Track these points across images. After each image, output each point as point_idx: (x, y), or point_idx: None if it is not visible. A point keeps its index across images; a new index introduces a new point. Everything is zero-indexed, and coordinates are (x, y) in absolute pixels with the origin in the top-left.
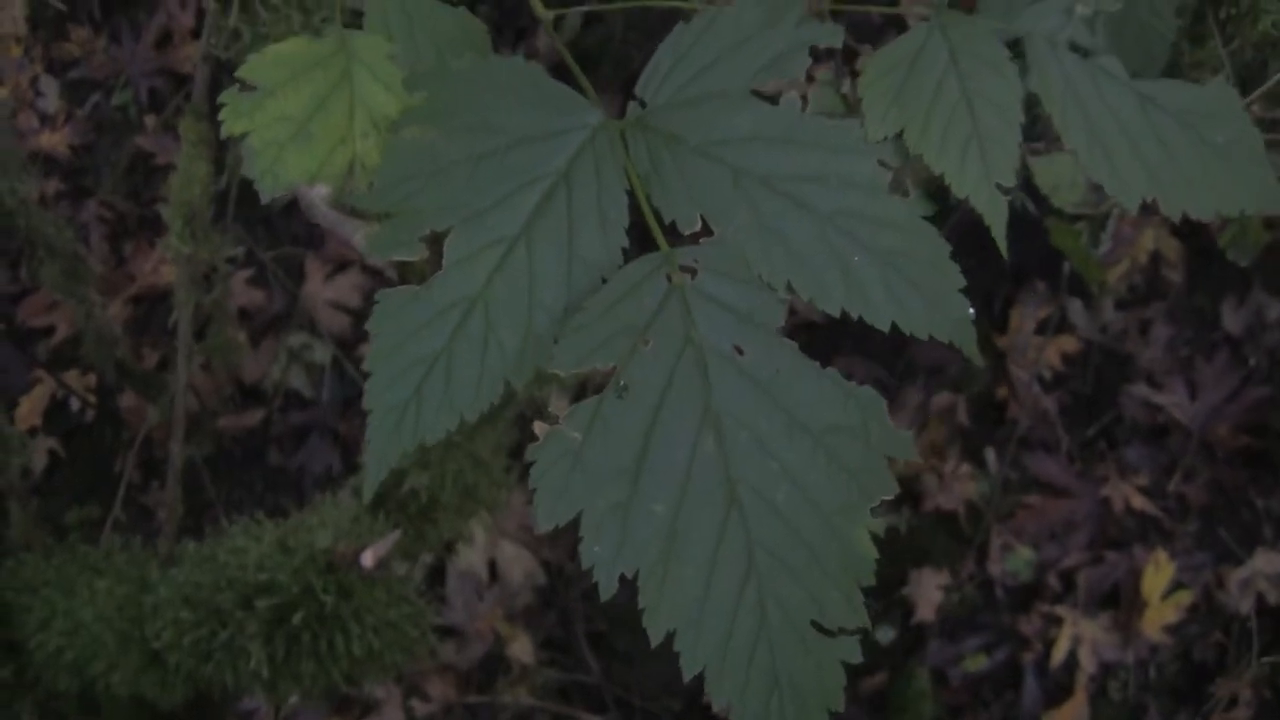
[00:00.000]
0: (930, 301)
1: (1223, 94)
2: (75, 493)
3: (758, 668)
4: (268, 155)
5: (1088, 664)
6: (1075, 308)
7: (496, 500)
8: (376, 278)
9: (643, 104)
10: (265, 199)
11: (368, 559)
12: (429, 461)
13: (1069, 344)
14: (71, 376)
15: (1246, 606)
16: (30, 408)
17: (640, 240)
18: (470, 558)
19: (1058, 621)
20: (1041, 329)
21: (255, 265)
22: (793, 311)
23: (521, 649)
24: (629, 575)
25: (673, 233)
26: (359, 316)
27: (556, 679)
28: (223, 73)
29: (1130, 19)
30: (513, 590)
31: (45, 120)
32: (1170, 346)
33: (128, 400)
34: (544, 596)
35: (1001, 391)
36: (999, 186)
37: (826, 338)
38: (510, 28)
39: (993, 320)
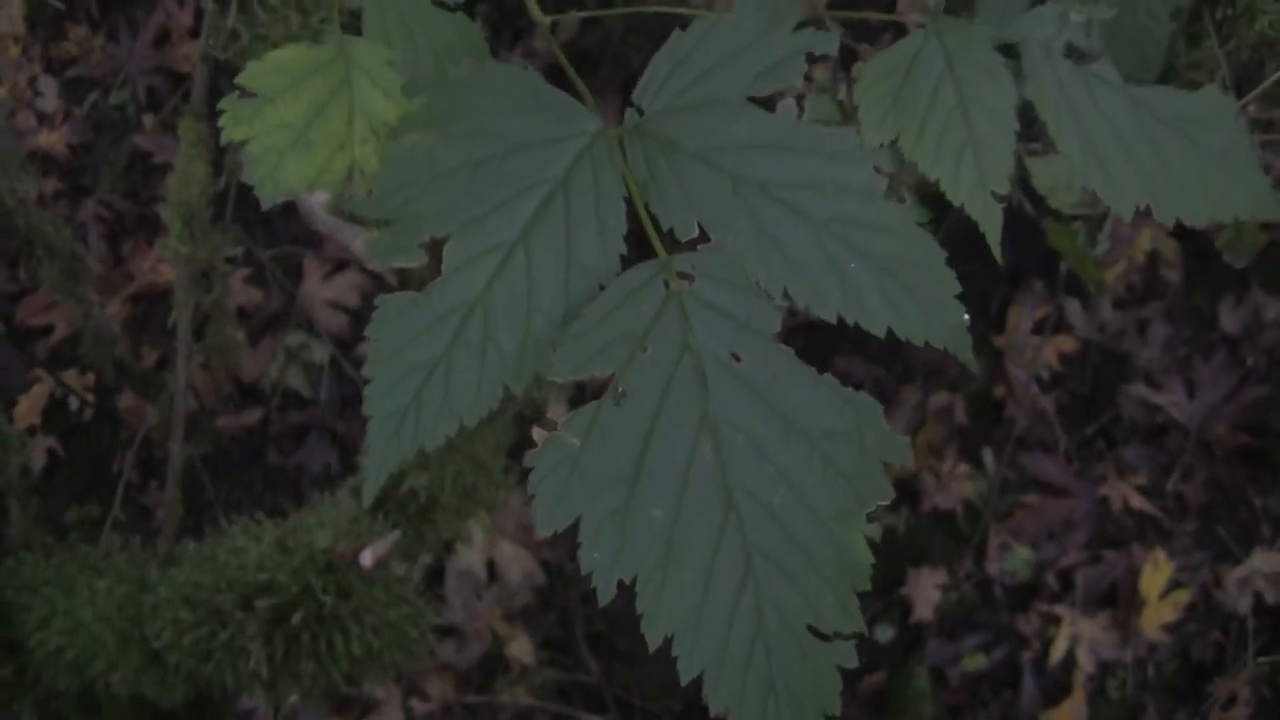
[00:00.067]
0: (926, 307)
1: (1216, 100)
2: (74, 492)
3: (755, 672)
4: (268, 162)
5: (1086, 663)
6: (1073, 307)
7: (495, 500)
8: (375, 278)
9: (640, 111)
10: (265, 205)
11: (367, 559)
12: (428, 462)
13: (1067, 343)
14: (70, 376)
15: (1244, 605)
16: (29, 407)
17: (638, 247)
18: (469, 557)
19: (1056, 620)
20: (1039, 328)
21: (253, 264)
22: (792, 313)
23: (520, 649)
24: (627, 581)
25: (670, 240)
26: (357, 316)
27: (556, 679)
28: (221, 73)
29: (1126, 22)
30: (511, 590)
31: (43, 119)
32: (1168, 346)
33: (126, 399)
34: (543, 596)
35: (999, 391)
36: (993, 193)
37: (825, 338)
38: (509, 28)
39: (990, 320)
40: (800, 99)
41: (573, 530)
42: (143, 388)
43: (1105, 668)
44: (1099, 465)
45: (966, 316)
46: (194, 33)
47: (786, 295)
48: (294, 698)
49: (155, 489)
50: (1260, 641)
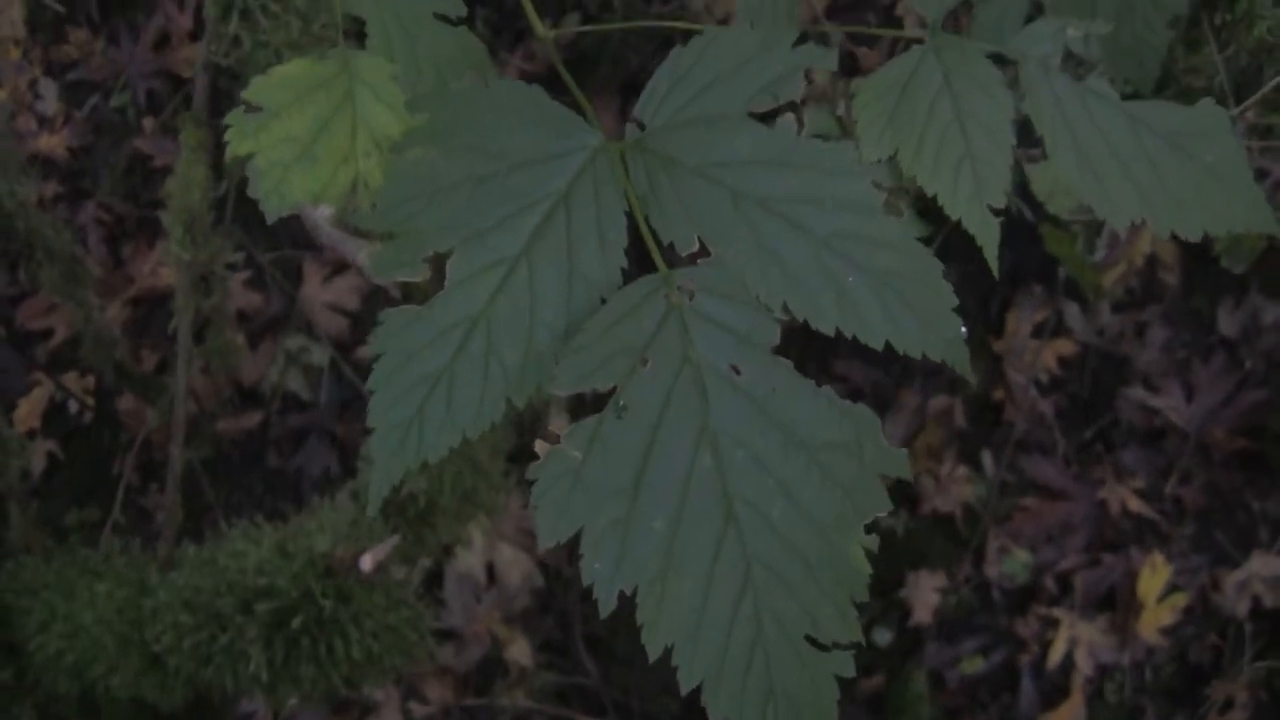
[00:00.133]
0: (924, 321)
1: (1212, 114)
2: (74, 495)
3: (754, 681)
4: (273, 176)
5: (1084, 666)
6: (1072, 311)
7: (494, 504)
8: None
9: (641, 126)
10: (270, 219)
11: (366, 563)
12: (427, 466)
13: (1065, 347)
14: (70, 379)
15: (1242, 609)
16: (29, 410)
17: (639, 261)
18: (468, 561)
19: (1054, 624)
20: (1038, 332)
21: (253, 268)
22: (792, 317)
23: (519, 652)
24: (628, 591)
25: (671, 254)
26: (357, 319)
27: (554, 682)
28: (222, 78)
29: (1123, 32)
30: (511, 593)
31: (44, 122)
32: (1167, 349)
33: (126, 403)
34: (542, 599)
35: (998, 394)
36: (990, 207)
37: (824, 341)
38: (508, 30)
39: (989, 323)
40: (801, 103)
41: (572, 534)
42: (143, 391)
43: (1103, 671)
44: (1098, 468)
45: (964, 329)
46: (194, 36)
47: (786, 309)
48: (293, 701)
49: (155, 492)
50: (1258, 645)
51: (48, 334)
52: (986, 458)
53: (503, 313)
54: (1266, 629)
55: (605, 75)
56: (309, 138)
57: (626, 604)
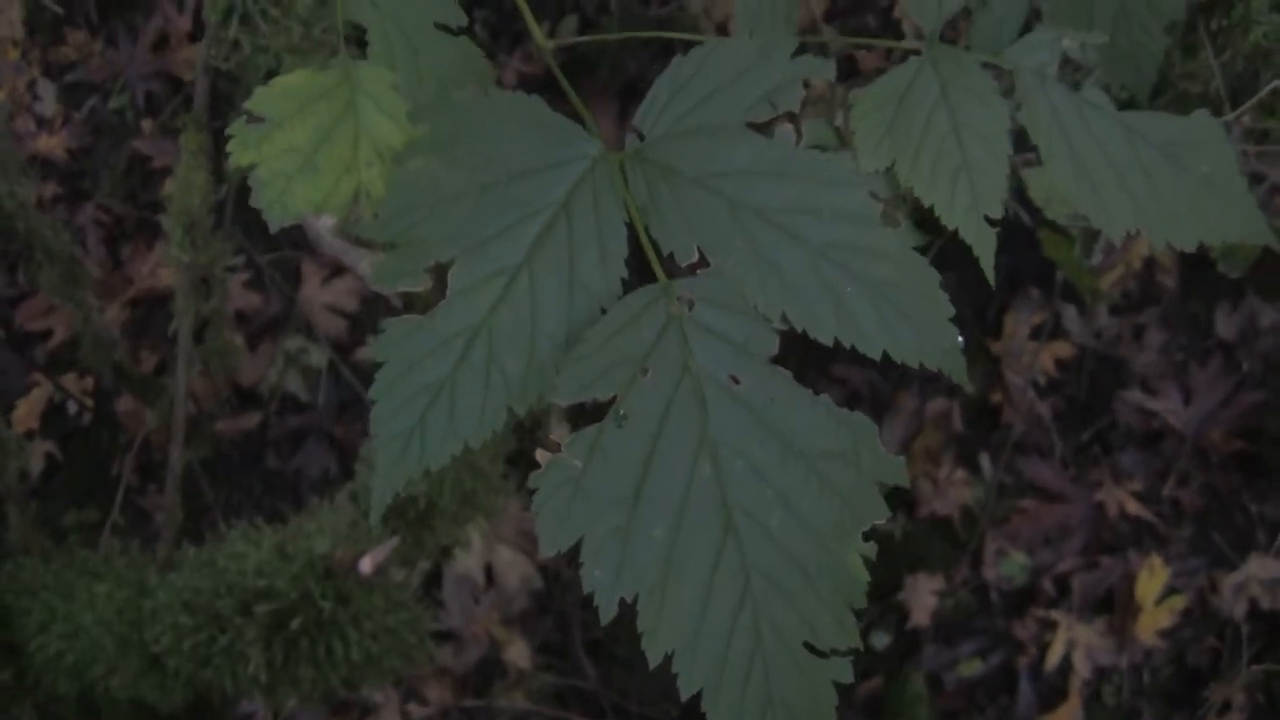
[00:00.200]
0: (921, 331)
1: (1206, 125)
2: (73, 496)
3: (753, 688)
4: (275, 186)
5: (1082, 668)
6: (1069, 313)
7: (493, 506)
8: None
9: (641, 136)
10: (274, 229)
11: (366, 565)
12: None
13: (1063, 349)
14: (69, 380)
15: (1240, 611)
16: (28, 411)
17: (639, 270)
18: (467, 562)
19: (1052, 626)
20: (1036, 334)
21: (252, 269)
22: (791, 327)
23: (518, 654)
24: (629, 599)
25: (670, 264)
26: (355, 320)
27: (553, 684)
28: (221, 82)
29: (1120, 39)
30: (509, 595)
31: (42, 123)
32: (1164, 352)
33: (125, 404)
34: (540, 601)
35: (996, 397)
36: (987, 217)
37: (824, 346)
38: (507, 33)
39: (987, 326)
40: (801, 105)
41: (573, 543)
42: (141, 392)
43: (1101, 673)
44: (1095, 471)
45: (960, 339)
46: (193, 38)
47: (784, 319)
48: (293, 702)
49: (154, 493)
50: (1255, 647)
51: (47, 335)
52: (984, 460)
53: (504, 322)
54: (1264, 631)
55: (604, 79)
56: (311, 148)
57: (626, 609)
